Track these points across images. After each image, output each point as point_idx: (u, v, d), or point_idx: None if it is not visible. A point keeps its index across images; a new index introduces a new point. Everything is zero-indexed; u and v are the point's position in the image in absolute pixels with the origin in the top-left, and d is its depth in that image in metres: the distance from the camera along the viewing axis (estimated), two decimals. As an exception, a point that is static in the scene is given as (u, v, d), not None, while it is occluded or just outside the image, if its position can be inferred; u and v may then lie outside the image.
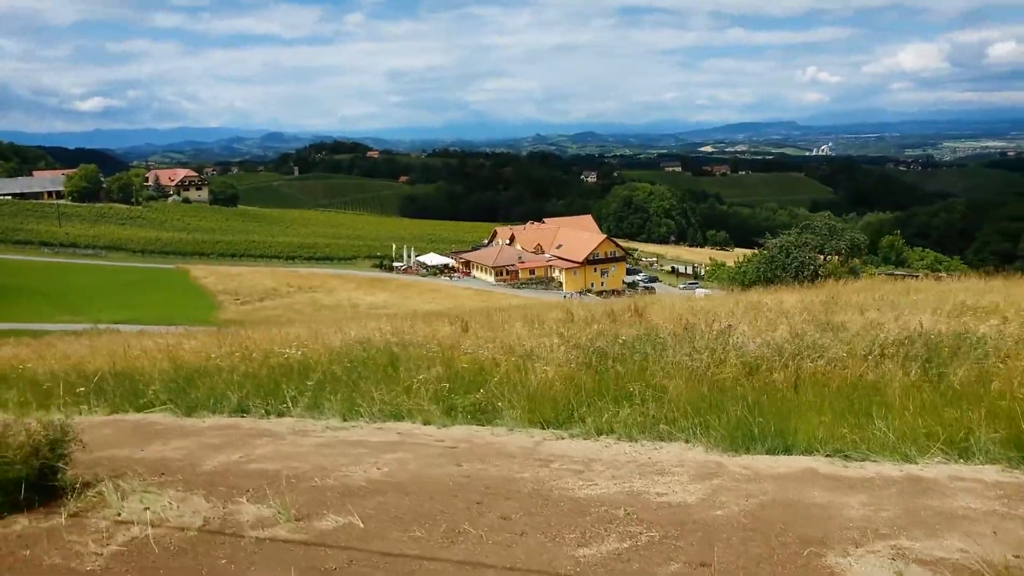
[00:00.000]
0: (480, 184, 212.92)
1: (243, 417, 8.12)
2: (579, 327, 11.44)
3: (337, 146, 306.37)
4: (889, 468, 5.02)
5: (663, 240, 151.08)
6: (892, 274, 50.53)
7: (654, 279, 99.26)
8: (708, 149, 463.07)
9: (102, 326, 38.39)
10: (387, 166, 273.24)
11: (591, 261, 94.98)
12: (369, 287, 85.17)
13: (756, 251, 72.13)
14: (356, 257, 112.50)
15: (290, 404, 8.18)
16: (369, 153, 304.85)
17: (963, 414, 5.51)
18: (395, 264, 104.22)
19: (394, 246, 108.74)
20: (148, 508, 4.71)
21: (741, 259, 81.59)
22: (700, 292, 54.56)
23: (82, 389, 9.14)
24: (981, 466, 5.03)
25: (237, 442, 6.78)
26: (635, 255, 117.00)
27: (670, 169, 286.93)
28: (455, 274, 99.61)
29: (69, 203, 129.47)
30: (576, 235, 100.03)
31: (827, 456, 5.32)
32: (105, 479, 5.11)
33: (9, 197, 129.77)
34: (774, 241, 57.33)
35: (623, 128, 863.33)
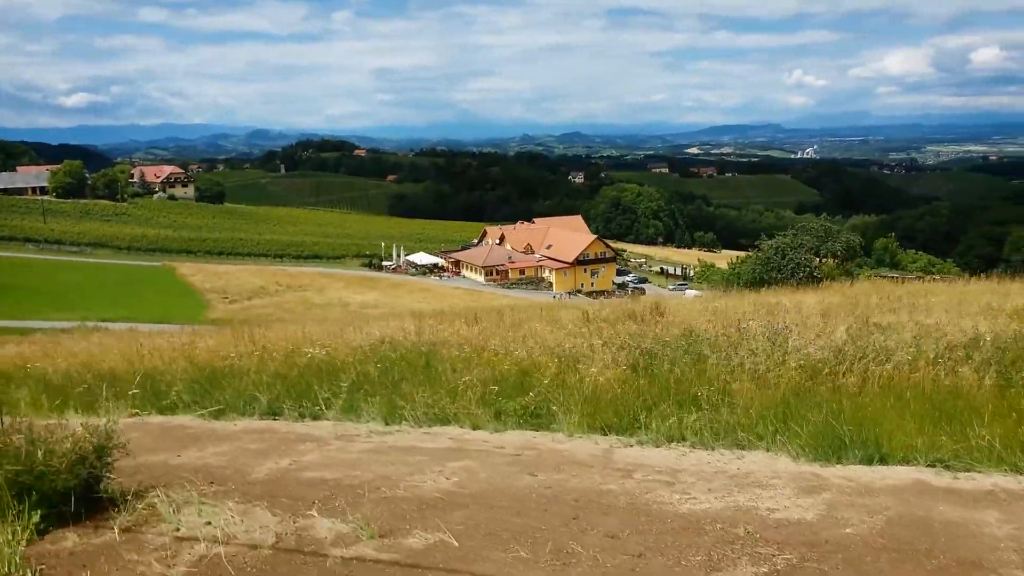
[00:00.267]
0: (468, 184, 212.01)
1: (275, 420, 7.73)
2: (599, 326, 11.09)
3: (324, 144, 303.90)
4: (1004, 480, 4.69)
5: (651, 241, 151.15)
6: (887, 276, 50.51)
7: (644, 280, 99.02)
8: (694, 151, 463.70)
9: (90, 324, 37.67)
10: (374, 165, 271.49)
11: (581, 262, 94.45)
12: (359, 286, 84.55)
13: (750, 252, 71.94)
14: (344, 256, 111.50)
15: (323, 407, 7.79)
16: (356, 152, 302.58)
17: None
18: (384, 263, 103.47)
19: (383, 245, 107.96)
20: (209, 522, 4.30)
21: (732, 260, 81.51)
22: (690, 293, 54.21)
23: (96, 389, 8.69)
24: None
25: (279, 447, 6.38)
26: (624, 256, 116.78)
27: (657, 170, 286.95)
28: (445, 273, 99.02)
29: (53, 199, 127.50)
30: (566, 235, 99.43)
31: (930, 466, 4.99)
32: (156, 489, 4.69)
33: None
34: (769, 242, 57.14)
35: (610, 129, 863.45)
